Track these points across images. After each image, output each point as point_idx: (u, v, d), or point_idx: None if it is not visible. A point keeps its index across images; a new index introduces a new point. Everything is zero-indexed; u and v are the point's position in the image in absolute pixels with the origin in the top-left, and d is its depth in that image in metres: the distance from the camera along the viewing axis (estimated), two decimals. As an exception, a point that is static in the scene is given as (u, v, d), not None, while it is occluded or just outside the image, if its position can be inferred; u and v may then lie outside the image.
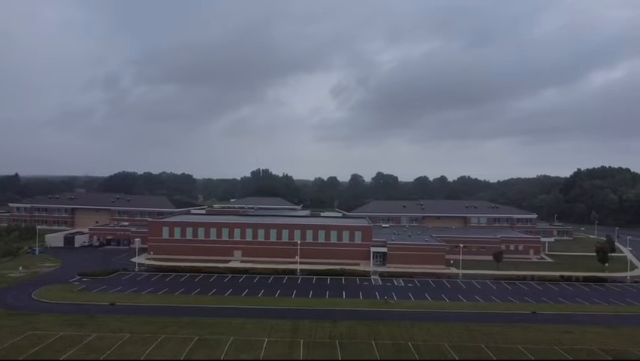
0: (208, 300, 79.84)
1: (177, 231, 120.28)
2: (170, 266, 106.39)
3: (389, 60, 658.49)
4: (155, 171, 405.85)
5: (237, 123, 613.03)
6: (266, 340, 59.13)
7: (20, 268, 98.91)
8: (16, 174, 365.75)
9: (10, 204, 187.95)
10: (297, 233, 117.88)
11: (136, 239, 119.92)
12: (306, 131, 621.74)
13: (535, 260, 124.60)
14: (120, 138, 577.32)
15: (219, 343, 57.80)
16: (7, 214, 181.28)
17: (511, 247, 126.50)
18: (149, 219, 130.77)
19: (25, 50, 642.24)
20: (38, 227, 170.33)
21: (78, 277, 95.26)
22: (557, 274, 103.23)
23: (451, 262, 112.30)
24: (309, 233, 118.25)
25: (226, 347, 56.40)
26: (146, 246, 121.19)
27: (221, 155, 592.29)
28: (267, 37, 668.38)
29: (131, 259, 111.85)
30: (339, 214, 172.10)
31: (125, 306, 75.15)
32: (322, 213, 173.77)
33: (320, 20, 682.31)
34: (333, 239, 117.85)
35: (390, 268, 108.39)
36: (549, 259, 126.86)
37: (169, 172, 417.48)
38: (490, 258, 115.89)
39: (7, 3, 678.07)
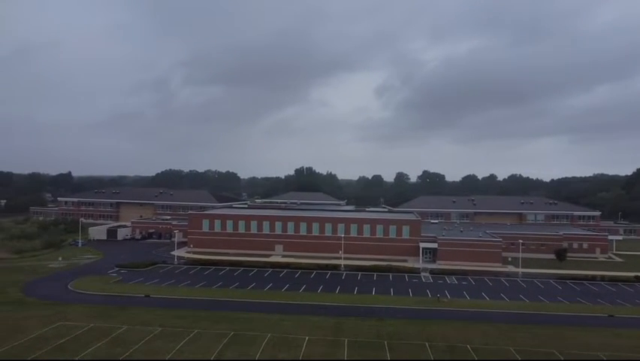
0: (246, 294, 75.08)
1: (217, 224, 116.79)
2: (209, 260, 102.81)
3: (432, 58, 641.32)
4: (200, 169, 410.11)
5: (281, 123, 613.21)
6: (306, 338, 53.47)
7: (60, 258, 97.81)
8: (69, 173, 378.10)
9: (59, 199, 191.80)
10: (341, 227, 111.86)
11: (173, 231, 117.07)
12: (350, 130, 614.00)
13: (602, 259, 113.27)
14: (167, 138, 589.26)
15: (255, 340, 52.64)
16: (57, 208, 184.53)
17: (575, 245, 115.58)
18: (190, 212, 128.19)
19: (77, 56, 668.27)
20: (85, 221, 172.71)
21: (116, 269, 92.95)
22: (632, 274, 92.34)
23: (509, 259, 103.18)
24: (354, 227, 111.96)
25: (262, 345, 51.16)
26: (186, 239, 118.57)
27: (265, 154, 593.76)
28: (309, 37, 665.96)
29: (171, 252, 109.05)
30: (385, 210, 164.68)
31: (160, 299, 71.48)
32: (367, 209, 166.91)
33: (361, 20, 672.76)
34: (379, 234, 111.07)
35: (441, 264, 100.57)
36: (618, 259, 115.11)
37: (214, 170, 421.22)
38: (551, 256, 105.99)
39: (59, 12, 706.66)
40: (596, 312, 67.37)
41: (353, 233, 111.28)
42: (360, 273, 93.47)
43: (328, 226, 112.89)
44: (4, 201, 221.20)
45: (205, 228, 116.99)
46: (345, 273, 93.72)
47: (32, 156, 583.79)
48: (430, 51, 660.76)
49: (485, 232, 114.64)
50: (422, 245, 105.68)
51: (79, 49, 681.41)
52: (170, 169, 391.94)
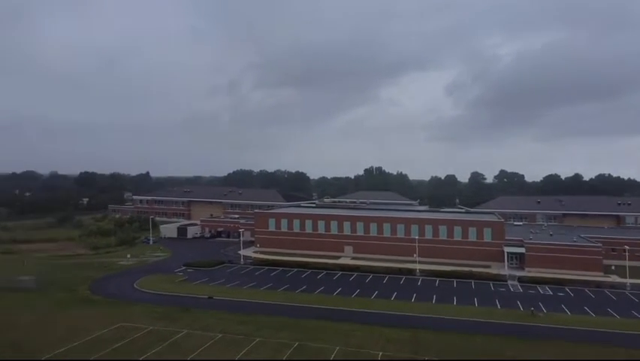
0: (314, 299, 69.65)
1: (284, 223, 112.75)
2: (276, 260, 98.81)
3: (507, 53, 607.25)
4: (270, 169, 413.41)
5: (350, 124, 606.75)
6: (380, 354, 46.95)
7: (128, 255, 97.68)
8: (147, 173, 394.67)
9: (135, 197, 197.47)
10: (415, 228, 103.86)
11: (239, 230, 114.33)
12: (421, 130, 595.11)
13: None
14: (239, 140, 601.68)
15: (322, 352, 46.91)
16: (132, 206, 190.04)
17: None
18: (256, 211, 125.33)
19: (156, 62, 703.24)
20: (158, 218, 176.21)
21: (183, 268, 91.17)
22: None
23: (612, 267, 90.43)
24: (429, 229, 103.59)
25: (331, 359, 45.27)
26: (253, 239, 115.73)
27: (334, 154, 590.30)
28: (379, 37, 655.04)
29: (238, 252, 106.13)
30: (462, 210, 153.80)
31: (224, 301, 67.75)
32: (442, 209, 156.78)
33: (433, 17, 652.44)
34: (457, 236, 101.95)
35: (530, 272, 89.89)
36: None
37: (283, 170, 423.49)
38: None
39: (139, 21, 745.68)
40: None
41: (428, 235, 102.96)
42: (437, 279, 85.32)
43: (400, 227, 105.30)
44: (87, 199, 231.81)
45: (271, 227, 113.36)
46: (421, 278, 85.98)
47: (114, 157, 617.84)
48: (504, 46, 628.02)
49: (579, 236, 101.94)
50: (507, 250, 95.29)
51: (157, 55, 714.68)
52: (241, 169, 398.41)
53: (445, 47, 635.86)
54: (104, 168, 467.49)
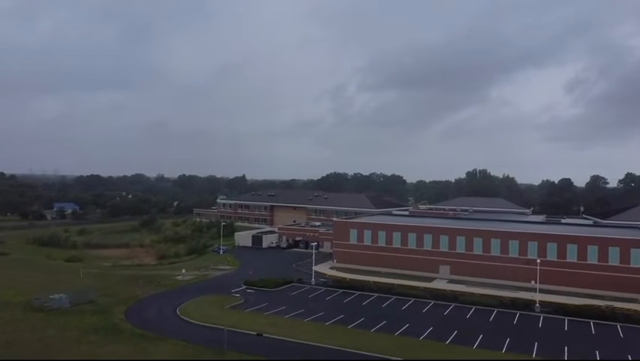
0: (393, 344, 51.71)
1: (367, 235, 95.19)
2: (354, 280, 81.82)
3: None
4: (365, 172, 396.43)
5: (455, 125, 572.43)
6: None
7: (183, 270, 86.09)
8: (243, 176, 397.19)
9: (218, 200, 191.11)
10: (533, 246, 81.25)
11: (316, 241, 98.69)
12: (533, 130, 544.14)
13: None
14: (340, 143, 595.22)
15: None
16: (216, 210, 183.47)
17: None
18: (335, 219, 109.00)
19: (270, 70, 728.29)
20: (240, 224, 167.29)
21: (243, 287, 77.47)
22: None
23: None
24: (552, 247, 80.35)
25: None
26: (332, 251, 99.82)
27: (435, 157, 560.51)
28: (493, 33, 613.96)
29: (313, 267, 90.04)
30: (589, 222, 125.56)
31: (275, 341, 52.27)
32: (564, 220, 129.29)
33: (556, 8, 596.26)
34: (592, 258, 77.71)
35: None
36: None
37: (379, 173, 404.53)
38: None
39: (252, 33, 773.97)
40: None
41: (551, 256, 79.77)
42: (566, 318, 62.92)
43: (513, 244, 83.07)
44: (176, 202, 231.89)
45: (353, 239, 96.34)
46: (542, 316, 64.07)
47: (219, 161, 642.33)
48: (637, 36, 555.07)
49: None
50: (666, 280, 69.76)
51: (271, 62, 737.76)
52: (335, 172, 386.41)
53: (567, 40, 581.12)
54: (206, 171, 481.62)
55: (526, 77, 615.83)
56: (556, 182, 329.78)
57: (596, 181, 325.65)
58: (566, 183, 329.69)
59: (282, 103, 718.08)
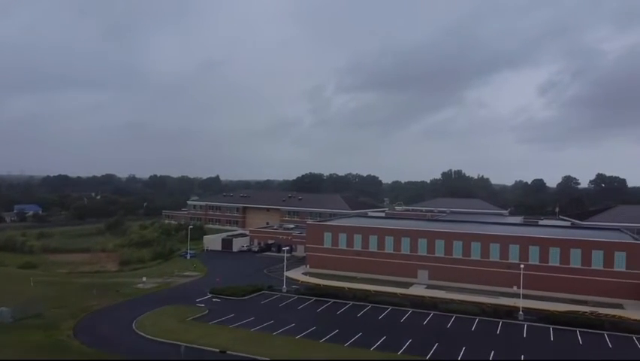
0: (370, 358, 47.25)
1: (342, 238, 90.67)
2: (328, 287, 77.19)
3: (616, 49, 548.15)
4: (341, 173, 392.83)
5: (431, 127, 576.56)
6: None
7: (144, 278, 79.94)
8: (217, 176, 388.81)
9: (188, 202, 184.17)
10: (514, 249, 78.01)
11: (289, 245, 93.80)
12: (508, 132, 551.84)
13: None
14: (317, 144, 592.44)
15: None
16: (186, 212, 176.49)
17: None
18: (308, 222, 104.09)
19: (248, 70, 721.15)
20: (211, 226, 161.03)
21: (208, 296, 72.01)
22: None
23: None
24: (534, 251, 77.20)
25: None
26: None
27: (411, 158, 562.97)
28: (471, 35, 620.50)
29: (285, 273, 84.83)
30: (567, 223, 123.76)
31: (240, 359, 47.15)
32: (541, 222, 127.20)
33: (534, 11, 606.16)
34: (575, 262, 74.80)
35: (694, 321, 61.52)
36: None
37: (355, 173, 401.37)
38: None
39: (232, 32, 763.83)
40: None
41: (533, 259, 76.58)
42: (551, 327, 59.53)
43: (494, 248, 79.66)
44: (146, 203, 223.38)
45: (327, 243, 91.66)
46: (526, 325, 60.53)
47: (198, 161, 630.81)
48: (614, 40, 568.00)
49: None
50: (652, 284, 67.18)
51: (248, 64, 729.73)
52: (311, 173, 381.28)
53: (542, 44, 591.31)
54: (180, 171, 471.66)
55: (502, 79, 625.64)
56: (529, 182, 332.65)
57: (568, 182, 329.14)
58: (539, 183, 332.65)
59: (260, 103, 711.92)
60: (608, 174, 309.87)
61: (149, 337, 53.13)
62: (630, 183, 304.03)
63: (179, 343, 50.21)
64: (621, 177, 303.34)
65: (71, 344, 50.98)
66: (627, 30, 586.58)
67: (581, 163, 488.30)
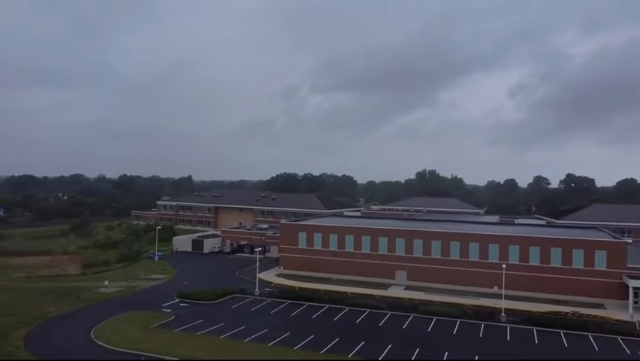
0: (347, 369, 44.09)
1: (317, 238, 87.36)
2: (303, 289, 73.84)
3: (583, 52, 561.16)
4: (316, 172, 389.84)
5: (405, 127, 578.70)
6: None
7: (106, 282, 74.94)
8: (190, 176, 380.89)
9: (158, 202, 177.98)
10: (494, 249, 76.07)
11: (262, 245, 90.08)
12: (479, 133, 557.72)
13: None
14: (292, 144, 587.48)
15: None
16: (156, 212, 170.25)
17: None
18: (282, 222, 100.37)
19: (221, 69, 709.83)
20: (182, 227, 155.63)
21: (176, 300, 67.73)
22: None
23: None
24: (514, 250, 75.36)
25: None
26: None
27: (385, 159, 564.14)
28: (444, 37, 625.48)
29: (258, 275, 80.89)
30: (542, 222, 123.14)
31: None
32: (518, 221, 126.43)
33: (504, 15, 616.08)
34: (555, 261, 73.25)
35: (677, 320, 60.37)
36: None
37: (329, 173, 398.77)
38: None
39: (204, 31, 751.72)
40: None
41: (513, 259, 74.69)
42: (534, 328, 57.50)
43: (474, 247, 77.55)
44: (114, 204, 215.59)
45: (302, 243, 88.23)
46: (508, 327, 58.32)
47: (169, 161, 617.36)
48: (581, 44, 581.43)
49: None
50: (633, 283, 65.75)
51: (221, 63, 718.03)
52: (285, 172, 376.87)
53: (513, 46, 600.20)
54: (150, 172, 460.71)
55: (474, 81, 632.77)
56: (501, 183, 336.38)
57: (539, 182, 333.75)
58: (511, 183, 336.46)
59: (234, 103, 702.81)
60: (577, 174, 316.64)
61: (108, 346, 48.74)
62: (598, 183, 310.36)
63: (139, 353, 46.17)
64: (590, 177, 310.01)
65: (21, 355, 46.27)
66: (593, 34, 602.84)
67: (550, 164, 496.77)
